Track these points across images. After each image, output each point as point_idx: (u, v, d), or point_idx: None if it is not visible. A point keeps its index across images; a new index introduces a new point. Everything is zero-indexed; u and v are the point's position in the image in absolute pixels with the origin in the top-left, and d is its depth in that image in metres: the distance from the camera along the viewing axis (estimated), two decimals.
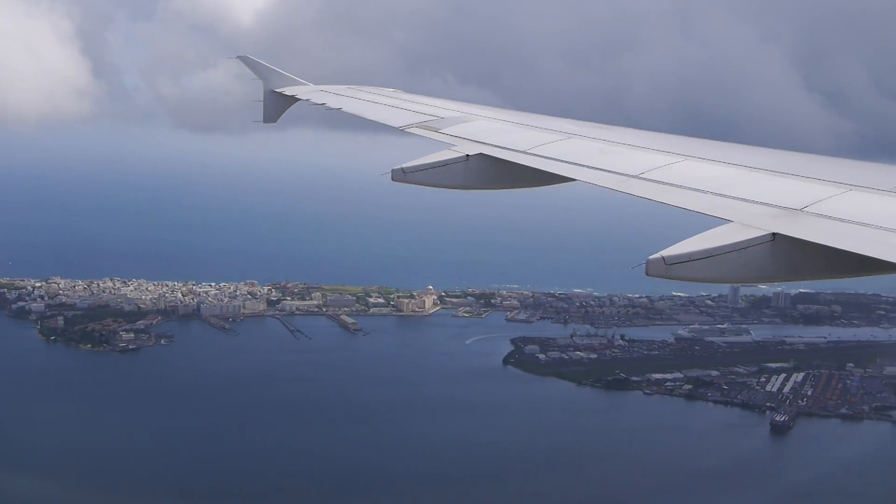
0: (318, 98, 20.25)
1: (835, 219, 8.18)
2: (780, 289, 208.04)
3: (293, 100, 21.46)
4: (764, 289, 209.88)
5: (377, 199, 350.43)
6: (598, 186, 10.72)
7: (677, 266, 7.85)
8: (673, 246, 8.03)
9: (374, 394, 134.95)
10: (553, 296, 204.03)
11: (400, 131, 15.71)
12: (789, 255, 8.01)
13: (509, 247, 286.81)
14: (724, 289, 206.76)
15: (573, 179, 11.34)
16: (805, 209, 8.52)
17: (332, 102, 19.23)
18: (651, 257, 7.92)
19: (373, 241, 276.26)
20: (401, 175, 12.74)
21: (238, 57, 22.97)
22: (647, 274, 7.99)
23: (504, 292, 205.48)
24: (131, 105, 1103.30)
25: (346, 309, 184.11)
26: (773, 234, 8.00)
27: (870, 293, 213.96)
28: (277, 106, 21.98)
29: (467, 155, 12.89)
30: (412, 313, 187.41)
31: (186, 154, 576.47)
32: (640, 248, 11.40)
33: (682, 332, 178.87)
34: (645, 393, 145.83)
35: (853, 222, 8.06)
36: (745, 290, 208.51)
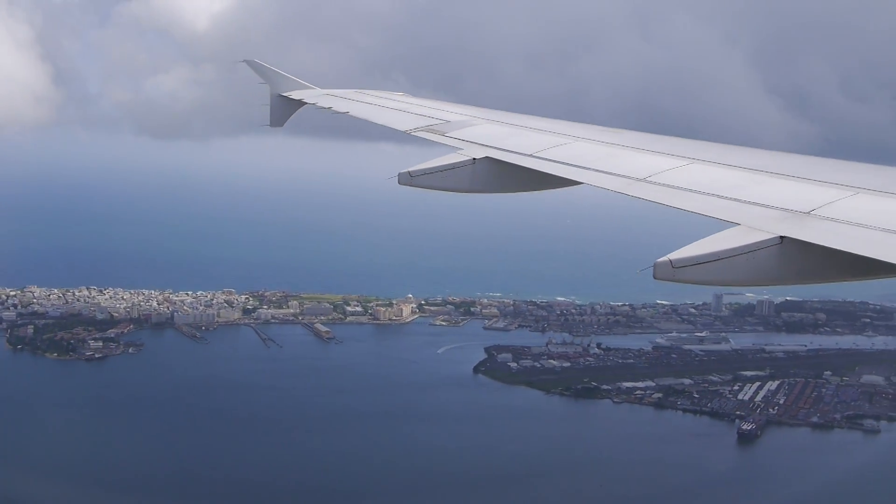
0: (324, 102, 20.25)
1: (843, 222, 8.15)
2: (766, 296, 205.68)
3: (300, 104, 21.48)
4: (750, 297, 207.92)
5: (368, 206, 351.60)
6: (604, 190, 10.69)
7: (685, 269, 7.79)
8: (680, 249, 7.94)
9: (337, 402, 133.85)
10: (534, 304, 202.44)
11: (404, 136, 15.73)
12: (797, 258, 7.96)
13: (499, 253, 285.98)
14: (716, 294, 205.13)
15: (580, 183, 11.34)
16: (813, 212, 8.49)
17: (339, 106, 19.29)
18: (658, 260, 7.86)
19: (358, 249, 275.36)
20: (407, 179, 12.70)
21: (244, 61, 22.86)
22: (654, 277, 7.94)
23: (485, 300, 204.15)
24: (91, 111, 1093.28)
25: (322, 317, 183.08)
26: (781, 237, 7.95)
27: (858, 301, 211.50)
28: (284, 110, 22.04)
29: (474, 158, 12.83)
30: (389, 321, 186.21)
31: (152, 160, 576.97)
32: (647, 251, 11.16)
33: (660, 340, 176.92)
34: (614, 402, 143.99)
35: (861, 225, 8.04)
36: (729, 298, 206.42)
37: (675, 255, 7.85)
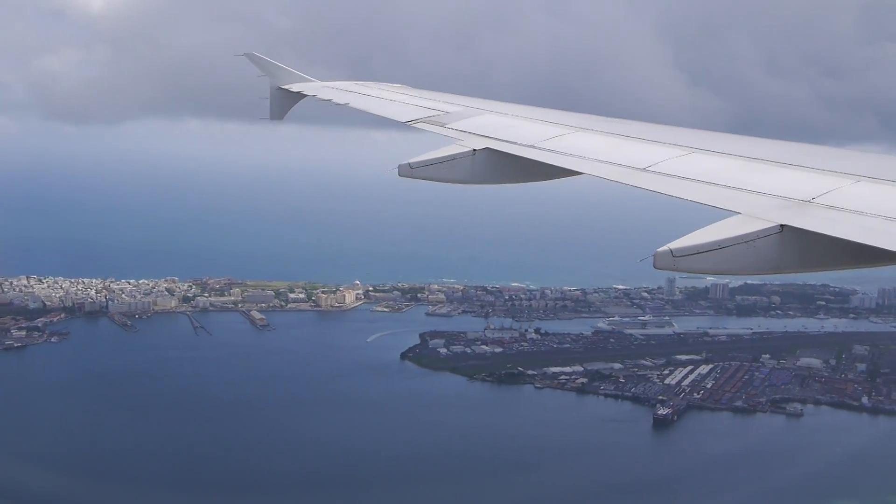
0: (324, 94, 20.38)
1: (843, 210, 8.15)
2: (726, 280, 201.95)
3: (300, 96, 21.58)
4: (708, 280, 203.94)
5: (348, 195, 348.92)
6: (605, 180, 10.66)
7: (685, 258, 7.75)
8: (681, 238, 7.88)
9: (246, 391, 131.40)
10: (484, 289, 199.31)
11: (405, 124, 15.71)
12: (797, 246, 7.94)
13: (475, 242, 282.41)
14: (669, 277, 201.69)
15: (580, 173, 11.35)
16: (813, 200, 8.50)
17: (339, 98, 19.43)
18: (659, 250, 7.79)
19: (317, 237, 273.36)
20: (407, 170, 12.60)
21: (245, 54, 22.69)
22: (654, 266, 7.88)
23: (435, 286, 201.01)
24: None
25: (262, 305, 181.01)
26: (782, 225, 7.92)
27: (819, 283, 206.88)
28: (284, 103, 22.15)
29: (474, 150, 12.78)
30: (331, 308, 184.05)
31: (73, 145, 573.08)
32: (646, 240, 11.22)
33: (602, 324, 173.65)
34: (536, 387, 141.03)
35: (862, 213, 8.02)
36: (684, 282, 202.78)
37: (675, 245, 7.76)
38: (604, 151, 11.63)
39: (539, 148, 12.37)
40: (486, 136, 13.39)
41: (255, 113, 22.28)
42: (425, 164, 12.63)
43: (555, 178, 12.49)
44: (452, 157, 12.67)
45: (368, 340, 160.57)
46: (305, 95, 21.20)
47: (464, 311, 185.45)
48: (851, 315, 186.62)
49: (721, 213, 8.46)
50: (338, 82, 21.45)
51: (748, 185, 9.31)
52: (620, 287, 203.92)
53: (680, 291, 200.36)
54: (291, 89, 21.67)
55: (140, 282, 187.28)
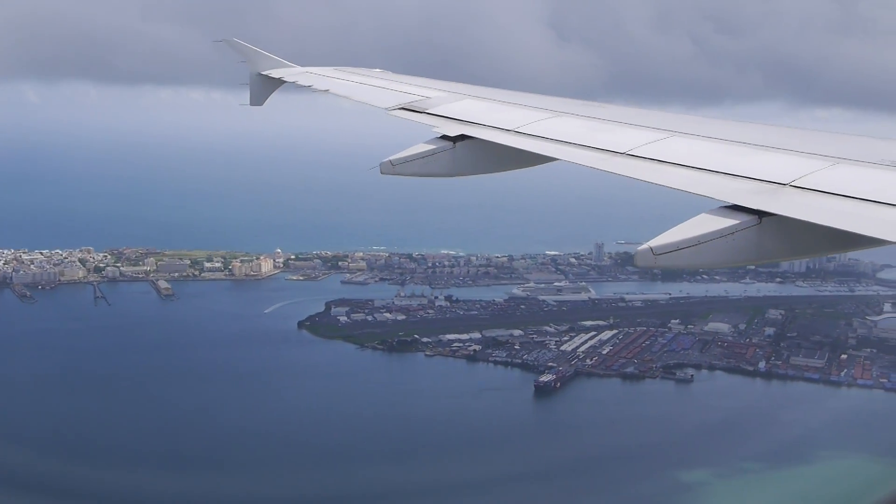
0: (304, 80, 20.33)
1: (822, 192, 8.09)
2: None
3: (280, 82, 21.56)
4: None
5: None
6: (582, 166, 10.55)
7: (665, 256, 7.67)
8: (660, 235, 7.76)
9: (127, 361, 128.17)
10: (408, 257, 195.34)
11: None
12: (777, 237, 7.87)
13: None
14: (597, 242, 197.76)
15: (557, 159, 11.30)
16: (792, 183, 8.38)
17: (319, 84, 19.40)
18: (639, 248, 7.74)
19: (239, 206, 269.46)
20: (389, 168, 12.60)
21: (224, 40, 22.40)
22: (635, 264, 7.98)
23: (359, 254, 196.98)
24: None
25: (175, 274, 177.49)
26: (760, 218, 7.81)
27: None
28: (264, 88, 22.02)
29: (454, 143, 12.62)
30: (245, 277, 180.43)
31: None
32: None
33: (517, 290, 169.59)
34: (426, 355, 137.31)
35: (841, 196, 7.94)
36: (612, 248, 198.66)
37: (655, 242, 7.66)
38: (583, 136, 11.44)
39: (519, 133, 12.21)
40: (466, 122, 13.23)
41: (238, 100, 21.61)
42: (406, 160, 12.56)
43: (535, 164, 12.40)
44: (433, 153, 12.54)
45: (266, 311, 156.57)
46: (285, 81, 21.09)
47: (381, 279, 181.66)
48: (778, 279, 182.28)
49: (697, 198, 8.30)
50: (318, 68, 21.26)
51: (727, 169, 9.14)
52: (550, 253, 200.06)
53: (609, 257, 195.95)
54: (271, 75, 21.49)
55: (53, 252, 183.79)
